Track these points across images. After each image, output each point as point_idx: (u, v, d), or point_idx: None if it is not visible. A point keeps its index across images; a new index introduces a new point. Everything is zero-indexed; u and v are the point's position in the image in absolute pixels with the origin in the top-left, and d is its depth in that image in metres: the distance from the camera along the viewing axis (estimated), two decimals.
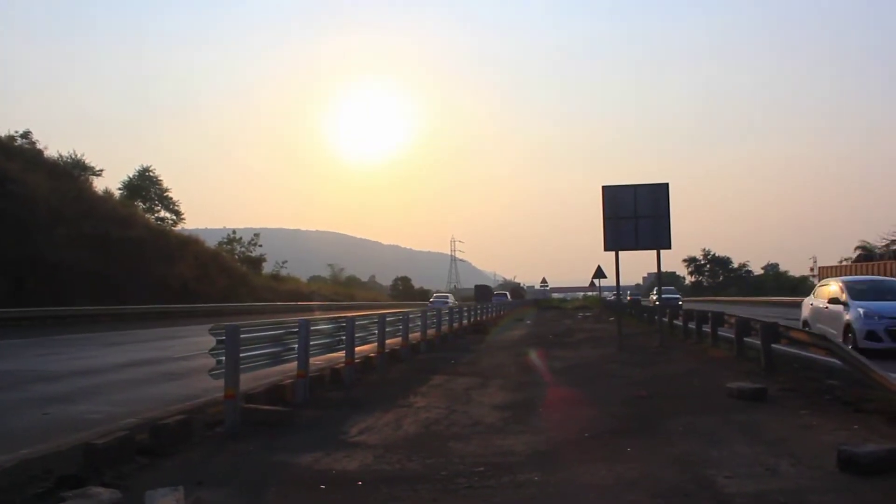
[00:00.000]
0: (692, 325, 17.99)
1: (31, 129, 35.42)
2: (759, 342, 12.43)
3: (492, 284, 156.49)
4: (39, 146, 34.27)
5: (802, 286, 75.22)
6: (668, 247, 16.02)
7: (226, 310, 36.18)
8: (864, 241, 57.31)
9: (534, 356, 14.35)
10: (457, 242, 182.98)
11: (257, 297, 43.99)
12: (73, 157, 36.60)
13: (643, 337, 19.56)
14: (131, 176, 46.48)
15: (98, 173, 37.84)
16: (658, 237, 15.94)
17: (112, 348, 17.48)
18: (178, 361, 14.00)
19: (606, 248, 16.21)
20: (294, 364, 8.99)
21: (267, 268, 54.66)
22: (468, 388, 10.11)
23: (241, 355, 7.12)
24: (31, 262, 26.18)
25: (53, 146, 43.63)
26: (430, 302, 40.54)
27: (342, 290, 65.36)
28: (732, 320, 13.76)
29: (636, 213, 15.91)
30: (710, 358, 13.27)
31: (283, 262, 56.57)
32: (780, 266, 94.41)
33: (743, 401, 8.34)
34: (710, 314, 15.58)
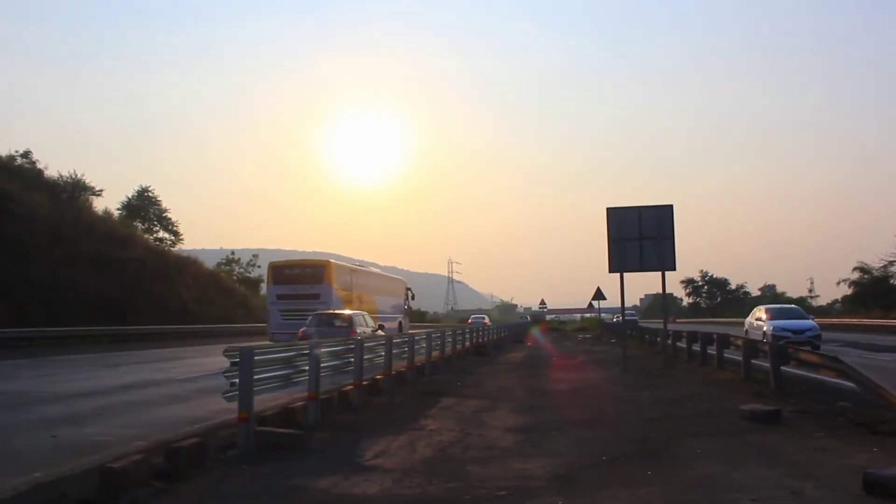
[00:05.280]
0: (696, 347, 17.95)
1: (31, 149, 35.47)
2: (766, 364, 12.50)
3: (488, 306, 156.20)
4: (39, 166, 34.31)
5: (800, 307, 75.24)
6: (673, 268, 16.04)
7: (225, 331, 36.00)
8: (862, 263, 57.38)
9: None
10: (454, 264, 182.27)
11: (256, 319, 43.74)
12: (73, 177, 36.58)
13: (646, 359, 19.52)
14: (130, 196, 46.51)
15: (98, 193, 37.84)
16: (663, 259, 15.96)
17: (113, 369, 17.37)
18: (182, 383, 13.91)
19: (611, 270, 16.20)
20: (300, 387, 8.91)
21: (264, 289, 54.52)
22: (477, 410, 10.04)
23: (254, 377, 7.05)
24: (29, 283, 26.08)
25: (52, 166, 43.48)
26: None
27: None
28: (739, 342, 13.73)
29: (641, 235, 15.94)
30: (716, 380, 13.22)
31: None
32: (777, 287, 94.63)
33: (756, 423, 8.28)
34: (715, 336, 15.54)
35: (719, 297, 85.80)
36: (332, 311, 21.24)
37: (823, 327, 41.99)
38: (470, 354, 22.25)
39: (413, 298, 38.90)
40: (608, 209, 16.28)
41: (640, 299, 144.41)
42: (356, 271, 29.90)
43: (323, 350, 9.23)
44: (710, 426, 8.33)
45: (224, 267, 51.61)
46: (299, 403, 9.01)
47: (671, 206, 16.09)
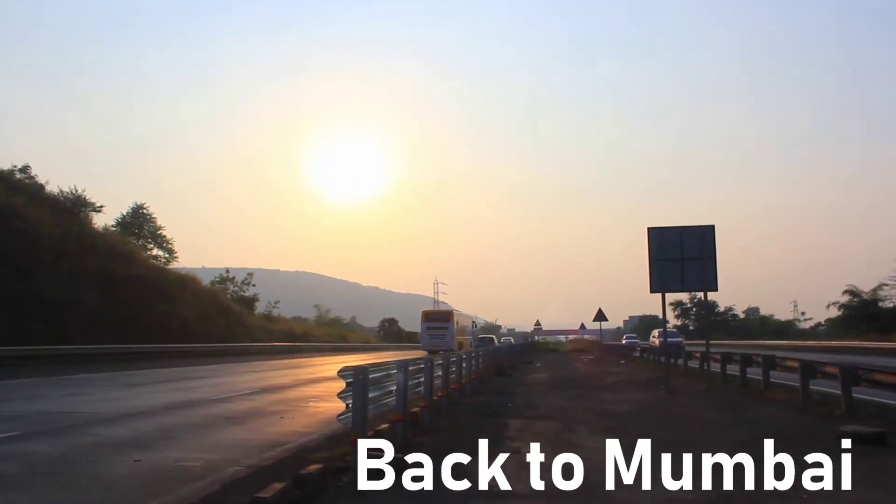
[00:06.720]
0: (731, 369, 17.79)
1: (29, 164, 34.61)
2: (823, 388, 12.44)
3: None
4: (39, 181, 33.45)
5: (789, 330, 75.98)
6: (715, 289, 15.93)
7: (227, 350, 35.32)
8: (852, 286, 58.27)
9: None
10: (440, 285, 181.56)
11: (252, 338, 43.07)
12: (74, 192, 35.75)
13: (676, 380, 19.29)
14: (125, 213, 45.59)
15: (99, 209, 36.91)
16: (705, 279, 15.85)
17: (135, 389, 16.83)
18: (222, 404, 13.44)
19: (653, 290, 16.05)
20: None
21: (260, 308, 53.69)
22: (557, 432, 9.73)
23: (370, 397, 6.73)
24: (33, 299, 25.32)
25: (50, 182, 41.08)
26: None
27: (332, 331, 64.30)
28: (792, 364, 13.60)
29: (682, 255, 15.81)
30: (774, 401, 13.04)
31: (276, 303, 55.68)
32: (762, 309, 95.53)
33: (862, 445, 8.07)
34: (760, 357, 15.39)
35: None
36: (485, 335, 58.14)
37: (821, 350, 42.43)
38: (493, 375, 21.92)
39: (476, 326, 68.21)
40: (649, 229, 16.17)
41: (624, 321, 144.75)
42: (459, 314, 57.07)
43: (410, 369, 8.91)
44: (816, 448, 8.08)
45: (218, 285, 50.75)
46: (385, 426, 8.66)
47: (713, 227, 16.00)
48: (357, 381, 6.62)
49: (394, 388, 8.49)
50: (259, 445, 8.66)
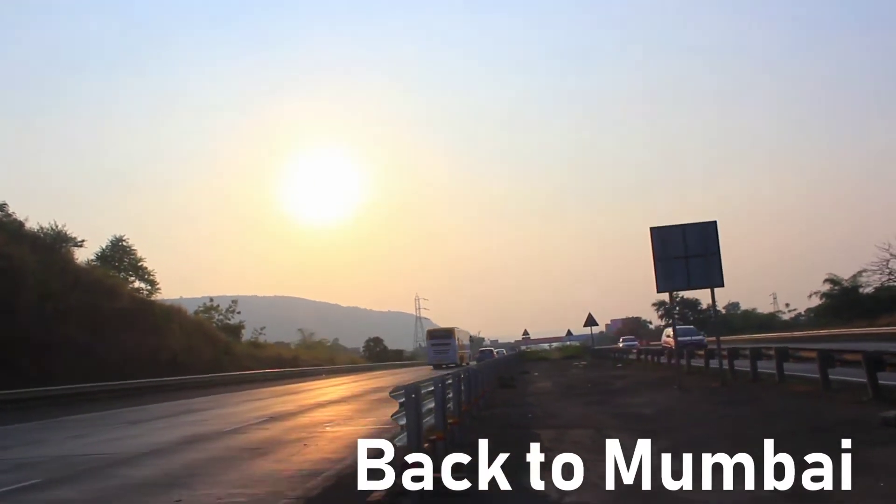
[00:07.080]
0: (739, 363, 17.84)
1: (6, 202, 33.67)
2: (841, 377, 12.49)
3: None
4: (18, 218, 32.57)
5: (773, 322, 77.00)
6: (721, 284, 15.96)
7: (217, 380, 34.66)
8: (832, 274, 59.28)
9: None
10: (421, 300, 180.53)
11: (241, 366, 42.36)
12: (54, 228, 34.93)
13: (683, 379, 19.30)
14: (104, 246, 44.66)
15: (80, 244, 36.11)
16: (710, 276, 15.88)
17: (140, 426, 16.38)
18: (236, 435, 13.11)
19: (659, 290, 16.08)
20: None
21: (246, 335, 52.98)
22: (593, 439, 9.61)
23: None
24: (19, 340, 24.60)
25: (29, 219, 39.41)
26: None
27: (321, 354, 63.62)
28: (808, 354, 13.64)
29: (686, 253, 15.85)
30: (794, 392, 13.07)
31: (262, 329, 54.99)
32: (742, 304, 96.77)
33: None
34: (773, 350, 15.43)
35: (692, 317, 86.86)
36: (485, 348, 69.35)
37: (811, 339, 42.90)
38: (497, 387, 21.74)
39: (472, 340, 76.48)
40: (652, 229, 16.20)
41: (607, 324, 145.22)
42: (459, 330, 59.80)
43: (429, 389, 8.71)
44: (867, 436, 8.05)
45: (203, 315, 49.93)
46: (427, 444, 8.45)
47: (715, 223, 16.08)
48: (409, 400, 6.43)
49: (431, 405, 8.30)
50: (295, 476, 8.39)
